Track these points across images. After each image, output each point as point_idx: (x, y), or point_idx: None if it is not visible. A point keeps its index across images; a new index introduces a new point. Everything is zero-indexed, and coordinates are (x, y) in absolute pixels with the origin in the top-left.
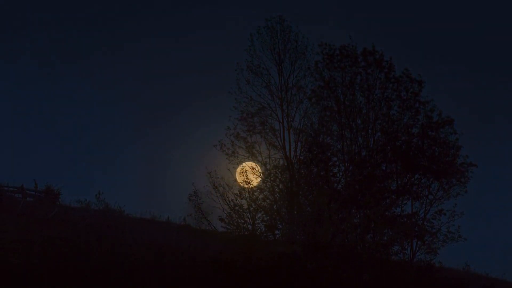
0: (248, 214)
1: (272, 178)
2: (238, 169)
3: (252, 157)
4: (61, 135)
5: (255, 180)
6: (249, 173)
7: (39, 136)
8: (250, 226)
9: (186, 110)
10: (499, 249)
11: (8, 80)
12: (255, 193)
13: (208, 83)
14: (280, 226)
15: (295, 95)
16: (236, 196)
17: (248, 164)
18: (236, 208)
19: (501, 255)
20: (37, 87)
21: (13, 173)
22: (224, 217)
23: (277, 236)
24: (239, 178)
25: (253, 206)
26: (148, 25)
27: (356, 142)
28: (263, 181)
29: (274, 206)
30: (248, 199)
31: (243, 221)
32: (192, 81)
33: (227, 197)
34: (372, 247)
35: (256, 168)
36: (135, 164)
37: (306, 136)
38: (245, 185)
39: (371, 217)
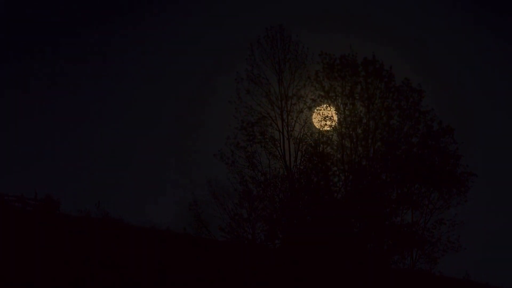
0: (248, 223)
1: (272, 188)
2: (314, 115)
3: (252, 166)
4: (61, 142)
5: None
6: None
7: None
8: (250, 236)
9: (186, 117)
10: (499, 259)
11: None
12: (255, 203)
13: (208, 89)
14: (280, 236)
15: (295, 104)
16: (236, 205)
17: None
18: (236, 217)
19: (501, 264)
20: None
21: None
22: (224, 227)
23: (277, 245)
24: (316, 120)
25: (253, 215)
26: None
27: (356, 151)
28: (263, 190)
29: (274, 216)
30: (247, 208)
31: (243, 231)
32: (192, 87)
33: (227, 206)
34: (372, 256)
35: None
36: (135, 172)
37: (306, 146)
38: (322, 128)
39: (371, 227)
